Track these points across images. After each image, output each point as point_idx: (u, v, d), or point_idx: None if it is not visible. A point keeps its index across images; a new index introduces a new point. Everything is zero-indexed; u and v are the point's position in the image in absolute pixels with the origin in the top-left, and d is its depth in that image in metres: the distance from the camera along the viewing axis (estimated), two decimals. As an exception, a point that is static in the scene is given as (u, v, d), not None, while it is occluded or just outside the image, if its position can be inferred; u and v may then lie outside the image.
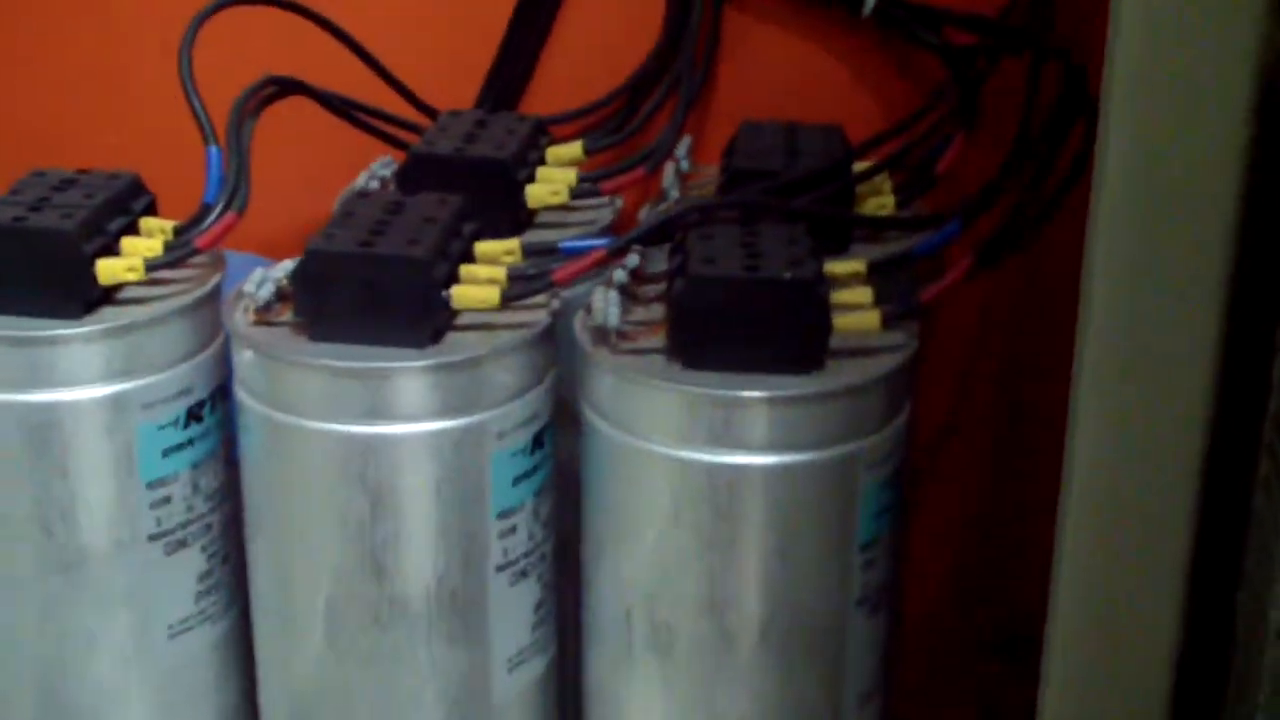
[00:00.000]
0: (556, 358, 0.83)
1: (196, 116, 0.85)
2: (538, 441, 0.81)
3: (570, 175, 0.91)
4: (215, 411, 0.85)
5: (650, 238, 0.80)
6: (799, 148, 0.91)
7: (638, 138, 0.98)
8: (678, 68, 0.98)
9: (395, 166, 0.93)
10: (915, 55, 0.97)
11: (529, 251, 0.83)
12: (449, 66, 1.02)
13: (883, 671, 0.83)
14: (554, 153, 0.94)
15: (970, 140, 0.90)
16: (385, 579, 0.79)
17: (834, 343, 0.76)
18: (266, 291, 0.81)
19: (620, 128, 0.99)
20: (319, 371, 0.77)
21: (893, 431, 0.78)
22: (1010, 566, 1.02)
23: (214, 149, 0.85)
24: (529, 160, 0.92)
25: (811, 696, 0.79)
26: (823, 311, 0.75)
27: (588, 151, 0.94)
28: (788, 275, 0.75)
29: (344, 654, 0.81)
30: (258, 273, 0.81)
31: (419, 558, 0.79)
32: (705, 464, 0.75)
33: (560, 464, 0.84)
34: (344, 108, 0.93)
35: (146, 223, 0.84)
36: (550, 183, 0.90)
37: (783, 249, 0.77)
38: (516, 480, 0.80)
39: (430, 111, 0.99)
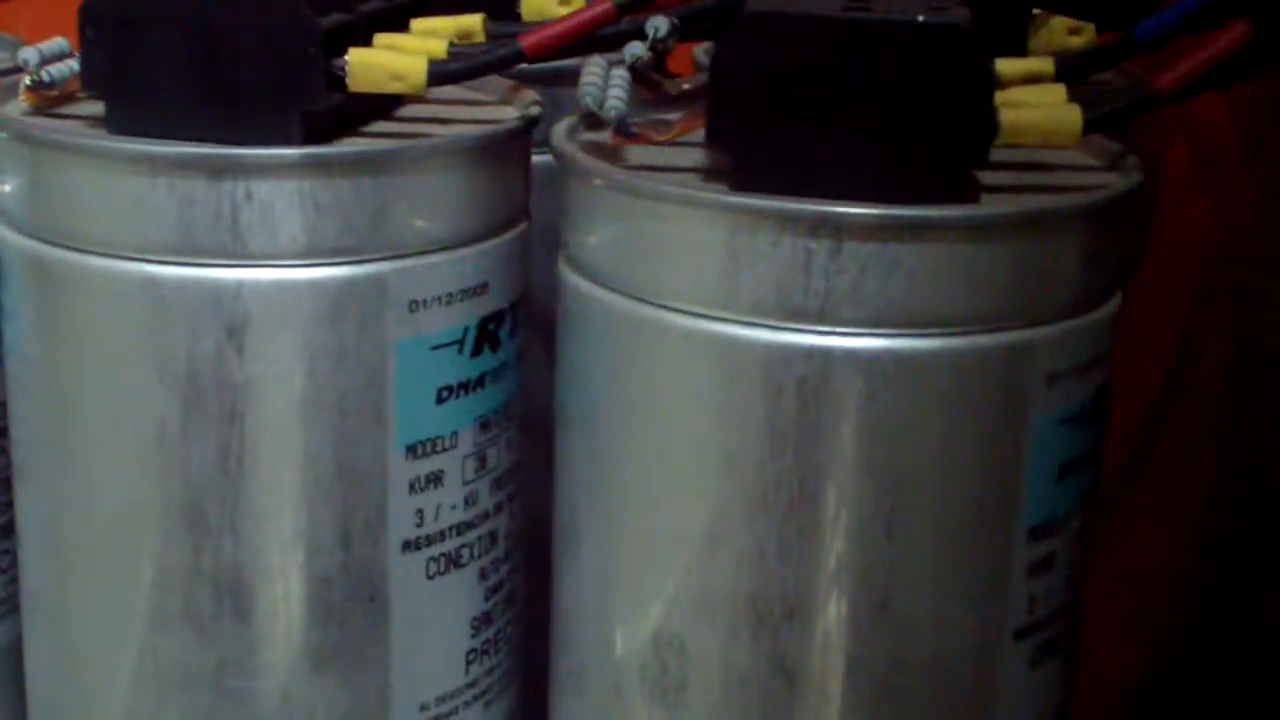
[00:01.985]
0: (526, 199, 0.50)
1: None
2: (486, 334, 0.48)
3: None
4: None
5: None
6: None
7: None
8: None
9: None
10: None
11: (497, 36, 0.50)
12: None
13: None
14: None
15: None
16: (210, 544, 0.46)
17: (1001, 158, 0.43)
18: (58, 66, 0.49)
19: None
20: (111, 171, 0.45)
21: (1094, 325, 0.44)
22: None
23: None
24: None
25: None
26: (983, 86, 0.42)
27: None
28: (921, 18, 0.41)
29: (136, 676, 0.48)
30: (52, 42, 0.50)
31: (269, 508, 0.46)
32: (766, 348, 0.42)
33: (531, 386, 0.51)
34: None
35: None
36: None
37: (912, 1, 0.44)
38: (444, 394, 0.47)
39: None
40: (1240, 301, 0.66)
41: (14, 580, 0.56)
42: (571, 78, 0.50)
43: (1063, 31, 0.56)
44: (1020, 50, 0.55)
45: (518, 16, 0.57)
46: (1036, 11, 0.56)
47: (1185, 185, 0.70)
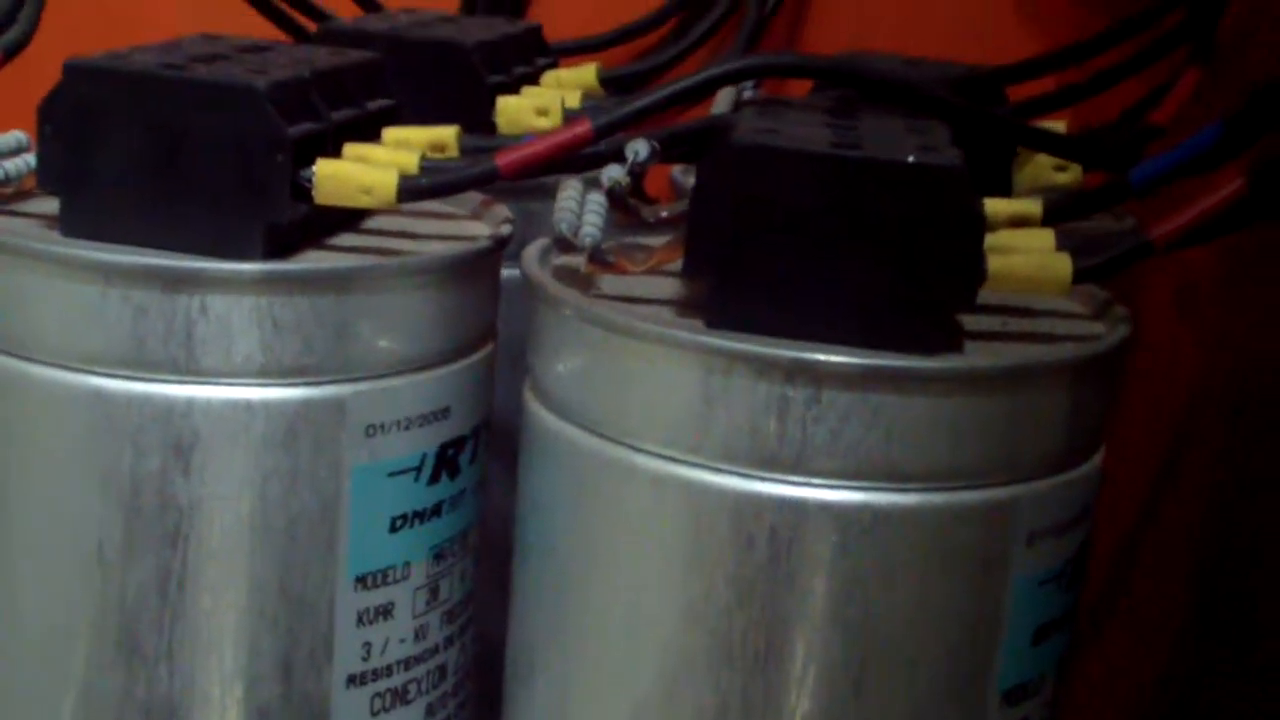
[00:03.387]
0: (494, 320, 0.48)
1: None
2: (445, 460, 0.46)
3: (569, 95, 0.57)
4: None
5: (677, 102, 0.46)
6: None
7: (678, 67, 0.64)
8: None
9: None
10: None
11: (471, 151, 0.49)
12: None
13: None
14: (555, 75, 0.61)
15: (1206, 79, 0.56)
16: (145, 671, 0.44)
17: (985, 300, 0.41)
18: (13, 162, 0.47)
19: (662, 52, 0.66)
20: (62, 278, 0.43)
21: (1078, 481, 0.42)
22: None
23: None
24: (509, 68, 0.59)
25: None
26: (972, 231, 0.40)
27: (605, 82, 0.61)
28: (911, 159, 0.40)
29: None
30: (7, 135, 0.48)
31: (208, 635, 0.44)
32: (737, 497, 0.40)
33: (490, 512, 0.49)
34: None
35: None
36: (535, 97, 0.56)
37: (900, 136, 0.43)
38: (398, 523, 0.45)
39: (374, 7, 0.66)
40: (1229, 431, 0.65)
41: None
42: (545, 191, 0.49)
43: (1049, 167, 0.55)
44: (1006, 185, 0.54)
45: (494, 125, 0.55)
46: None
47: (1166, 307, 0.68)
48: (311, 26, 0.63)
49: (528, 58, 0.61)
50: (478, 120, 0.55)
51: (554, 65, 0.62)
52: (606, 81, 0.61)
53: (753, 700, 0.41)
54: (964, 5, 0.67)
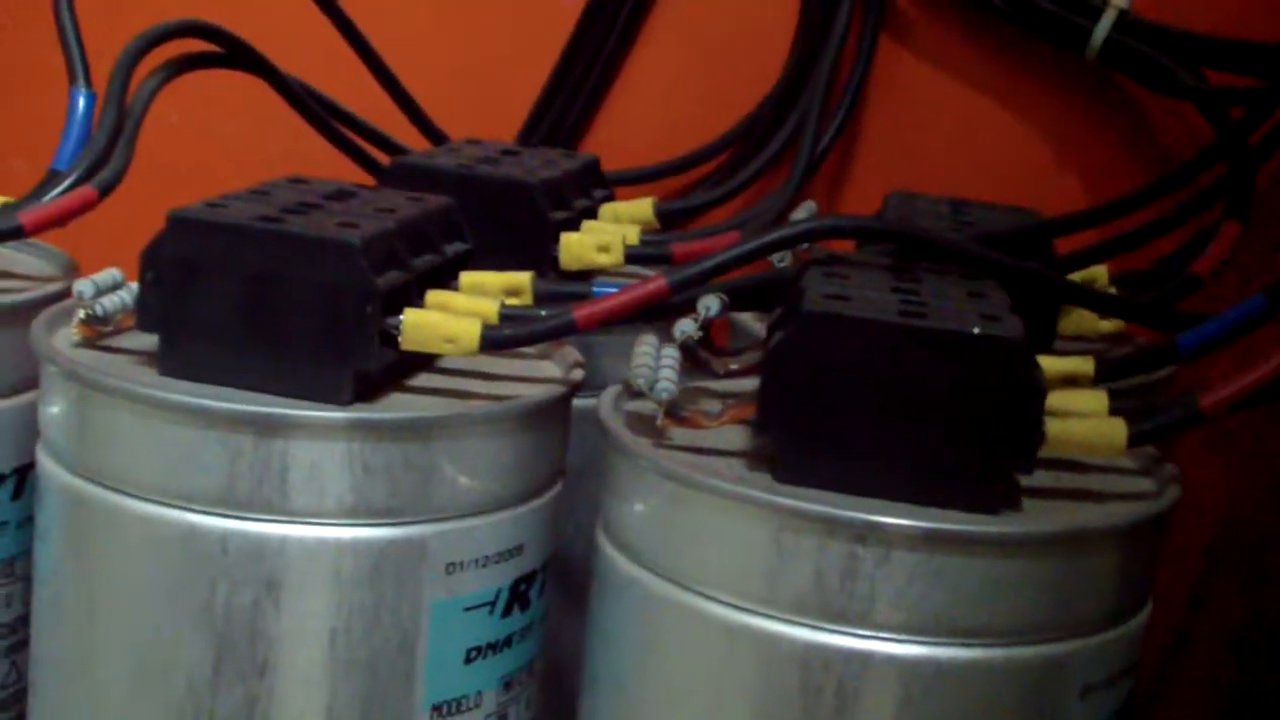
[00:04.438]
0: (564, 459, 0.50)
1: (66, 45, 0.55)
2: (517, 595, 0.48)
3: (629, 231, 0.60)
4: (22, 497, 0.53)
5: (748, 261, 0.48)
6: (972, 225, 0.60)
7: (733, 202, 0.67)
8: (801, 112, 0.67)
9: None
10: (1151, 108, 0.66)
11: (546, 296, 0.51)
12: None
13: None
14: (612, 209, 0.63)
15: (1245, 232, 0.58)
16: (228, 794, 0.46)
17: (1041, 458, 0.44)
18: (111, 299, 0.49)
19: (716, 186, 0.68)
20: (161, 419, 0.45)
21: (1128, 635, 0.45)
22: None
23: (83, 93, 0.55)
24: (570, 202, 0.61)
25: None
26: (1033, 400, 0.43)
27: (660, 215, 0.63)
28: (976, 330, 0.42)
29: None
30: (106, 273, 0.50)
31: (288, 764, 0.46)
32: (806, 648, 0.42)
33: (552, 644, 0.51)
34: (306, 99, 0.63)
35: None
36: (597, 234, 0.59)
37: (962, 303, 0.45)
38: (472, 654, 0.47)
39: (440, 138, 0.69)
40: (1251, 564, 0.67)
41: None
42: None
43: (1093, 318, 0.57)
44: (1051, 332, 0.56)
45: (554, 260, 0.58)
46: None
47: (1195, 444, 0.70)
48: (382, 156, 0.65)
49: (587, 191, 0.63)
50: (541, 255, 0.57)
51: (611, 197, 0.64)
52: (663, 215, 0.63)
53: (816, 843, 0.42)
54: (1006, 148, 0.69)
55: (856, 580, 0.41)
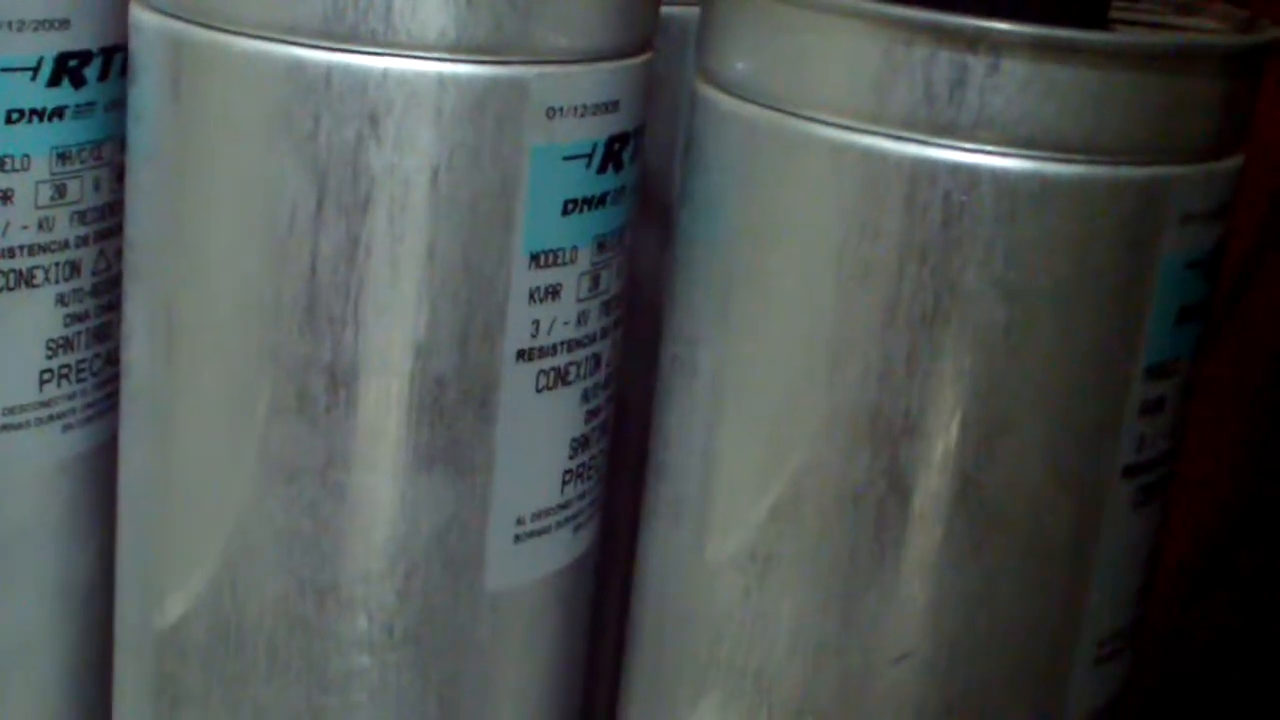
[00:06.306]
0: (657, 20, 0.51)
1: None
2: (612, 153, 0.49)
3: None
4: (109, 78, 0.53)
5: None
6: None
7: None
8: None
9: None
10: None
11: None
12: None
13: (1140, 606, 0.49)
14: None
15: None
16: (331, 335, 0.47)
17: (1131, 17, 0.44)
18: None
19: None
20: (264, -46, 0.45)
21: (1226, 172, 0.45)
22: None
23: None
24: None
25: (1024, 633, 0.45)
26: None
27: None
28: None
29: (242, 468, 0.48)
30: None
31: (393, 302, 0.47)
32: (914, 163, 0.42)
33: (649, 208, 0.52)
34: None
35: None
36: None
37: None
38: (569, 206, 0.48)
39: None
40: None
41: (103, 384, 0.56)
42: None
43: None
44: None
45: None
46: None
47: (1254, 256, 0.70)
48: None
49: None
50: None
51: None
52: None
53: (918, 358, 0.43)
54: None
55: (966, 91, 0.42)
